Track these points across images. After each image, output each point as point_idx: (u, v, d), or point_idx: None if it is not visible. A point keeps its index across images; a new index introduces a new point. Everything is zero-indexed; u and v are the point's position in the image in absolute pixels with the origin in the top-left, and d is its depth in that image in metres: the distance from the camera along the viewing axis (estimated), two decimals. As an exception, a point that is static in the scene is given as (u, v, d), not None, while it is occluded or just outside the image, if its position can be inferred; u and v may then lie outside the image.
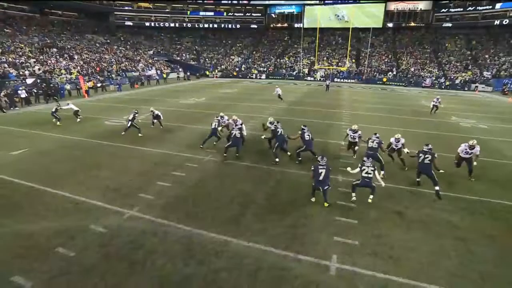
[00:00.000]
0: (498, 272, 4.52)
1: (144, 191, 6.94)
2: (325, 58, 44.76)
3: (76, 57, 33.17)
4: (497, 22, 39.78)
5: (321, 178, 6.13)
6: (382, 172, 7.87)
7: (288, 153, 9.15)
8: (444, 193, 6.99)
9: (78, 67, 30.55)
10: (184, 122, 14.15)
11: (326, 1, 47.99)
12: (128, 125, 11.62)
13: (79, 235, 5.27)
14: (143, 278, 4.28)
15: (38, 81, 23.79)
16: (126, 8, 50.59)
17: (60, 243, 5.04)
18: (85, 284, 4.15)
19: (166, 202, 6.48)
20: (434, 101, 18.23)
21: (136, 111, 12.29)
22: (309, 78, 41.56)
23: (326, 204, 6.27)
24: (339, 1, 47.39)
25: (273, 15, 52.71)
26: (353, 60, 43.97)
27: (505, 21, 38.82)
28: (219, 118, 10.60)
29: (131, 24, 51.35)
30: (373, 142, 8.13)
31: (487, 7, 40.67)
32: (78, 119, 14.30)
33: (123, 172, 8.11)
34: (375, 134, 8.42)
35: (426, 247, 5.03)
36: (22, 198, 6.66)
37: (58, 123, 13.47)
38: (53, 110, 13.59)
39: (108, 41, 43.29)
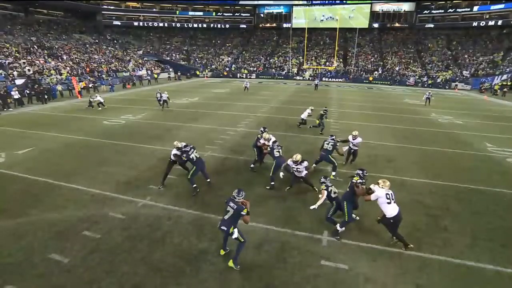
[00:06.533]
0: (458, 239, 5.51)
1: (154, 183, 7.62)
2: (313, 58, 45.98)
3: (64, 57, 33.00)
4: (475, 23, 42.03)
5: (226, 217, 4.65)
6: (334, 173, 8.03)
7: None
8: (419, 180, 8.05)
9: (68, 68, 30.47)
10: (181, 121, 14.78)
11: (313, 2, 49.20)
12: (161, 102, 18.01)
13: (101, 221, 5.94)
14: (164, 253, 5.02)
15: (29, 81, 23.79)
16: (114, 7, 50.29)
17: (85, 227, 5.70)
18: (115, 259, 4.85)
19: (175, 192, 7.21)
20: (426, 95, 21.66)
21: (159, 90, 18.67)
22: (298, 77, 42.69)
23: (222, 252, 5.01)
24: (327, 2, 48.70)
25: (262, 15, 53.60)
26: (341, 60, 45.39)
27: (482, 23, 41.10)
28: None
29: (119, 23, 51.09)
30: (328, 144, 8.07)
31: (466, 9, 42.90)
32: (100, 108, 17.81)
33: (131, 167, 8.75)
34: (331, 136, 8.37)
35: (402, 223, 5.95)
36: (40, 191, 7.23)
37: (99, 108, 17.77)
38: (88, 102, 18.03)
39: (97, 41, 43.03)
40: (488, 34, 42.07)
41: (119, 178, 7.98)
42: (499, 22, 39.89)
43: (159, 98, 18.23)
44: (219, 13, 54.47)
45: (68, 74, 28.73)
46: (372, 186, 5.20)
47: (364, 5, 46.81)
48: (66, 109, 18.40)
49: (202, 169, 7.31)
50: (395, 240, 5.26)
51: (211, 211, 6.31)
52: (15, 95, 19.19)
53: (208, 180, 7.58)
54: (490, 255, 5.06)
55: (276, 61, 46.96)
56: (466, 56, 40.28)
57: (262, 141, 8.31)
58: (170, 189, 7.36)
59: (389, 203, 5.03)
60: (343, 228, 5.45)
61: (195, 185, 7.12)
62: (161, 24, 53.33)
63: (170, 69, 44.04)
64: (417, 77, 38.54)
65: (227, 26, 54.69)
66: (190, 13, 54.01)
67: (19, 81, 23.65)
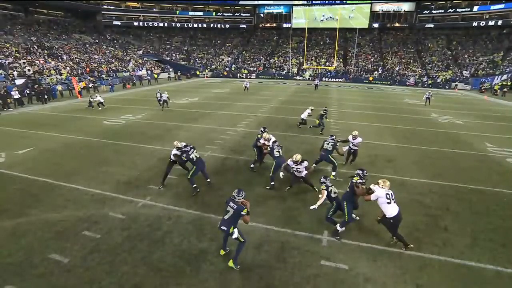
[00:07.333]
0: (458, 239, 5.50)
1: (154, 183, 7.62)
2: (313, 58, 45.97)
3: (64, 57, 32.99)
4: (475, 23, 42.04)
5: (226, 217, 4.65)
6: (334, 173, 8.02)
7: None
8: (419, 180, 8.06)
9: (68, 68, 30.46)
10: (181, 121, 14.78)
11: (313, 2, 49.21)
12: (161, 102, 17.91)
13: (101, 221, 5.94)
14: (164, 253, 5.02)
15: (29, 81, 23.79)
16: (114, 7, 50.31)
17: (85, 227, 5.70)
18: (115, 259, 4.85)
19: (175, 192, 7.21)
20: (426, 95, 21.57)
21: (159, 90, 18.59)
22: (298, 77, 42.69)
23: (222, 252, 5.01)
24: (327, 2, 48.70)
25: (262, 15, 53.61)
26: (341, 60, 45.38)
27: (482, 23, 41.12)
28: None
29: (119, 23, 51.14)
30: (328, 144, 8.04)
31: (466, 9, 42.92)
32: (100, 108, 17.80)
33: (131, 167, 8.74)
34: (331, 136, 8.34)
35: (402, 223, 5.95)
36: (40, 191, 7.23)
37: (99, 108, 17.80)
38: (88, 102, 18.06)
39: (97, 41, 43.03)
40: (488, 34, 42.07)
41: (119, 178, 7.98)
42: (499, 22, 39.89)
43: (159, 98, 18.23)
44: (219, 13, 54.49)
45: (68, 74, 28.74)
46: (372, 186, 5.20)
47: (364, 5, 46.80)
48: (66, 109, 18.39)
49: (202, 169, 7.31)
50: (395, 240, 5.26)
51: (211, 211, 6.31)
52: (15, 95, 19.19)
53: (208, 180, 7.57)
54: (490, 255, 5.06)
55: (276, 61, 46.96)
56: (466, 56, 40.28)
57: (262, 141, 8.31)
58: (170, 189, 7.36)
59: (389, 203, 5.03)
60: (343, 228, 5.44)
61: (195, 185, 7.11)
62: (161, 24, 53.36)
63: (170, 69, 44.04)
64: (417, 77, 38.54)
65: (227, 26, 54.71)
66: (190, 13, 54.04)
67: (19, 81, 23.65)
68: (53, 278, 4.45)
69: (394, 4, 46.15)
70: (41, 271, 4.57)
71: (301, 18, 49.50)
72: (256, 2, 52.10)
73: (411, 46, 45.43)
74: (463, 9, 43.17)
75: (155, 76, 37.50)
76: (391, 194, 5.09)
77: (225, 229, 4.58)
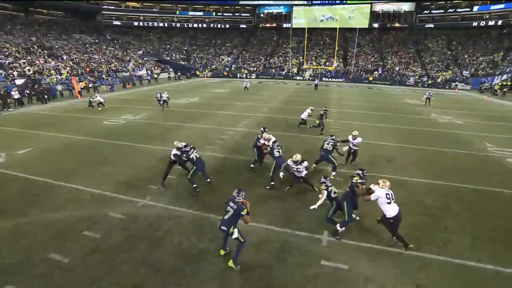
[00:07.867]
0: (458, 239, 5.51)
1: (154, 183, 7.61)
2: (313, 58, 45.97)
3: (64, 57, 32.99)
4: (475, 23, 42.05)
5: (226, 217, 4.66)
6: (334, 173, 8.04)
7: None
8: (419, 180, 8.06)
9: (68, 68, 30.45)
10: (181, 121, 14.79)
11: (313, 2, 49.21)
12: (161, 102, 17.99)
13: (101, 221, 5.94)
14: (165, 253, 5.02)
15: (29, 81, 23.78)
16: (114, 7, 50.32)
17: (85, 227, 5.69)
18: (115, 259, 4.85)
19: (175, 192, 7.21)
20: (426, 95, 21.58)
21: (159, 90, 18.63)
22: (298, 77, 42.70)
23: (222, 252, 5.02)
24: (327, 2, 48.70)
25: (262, 15, 53.61)
26: (341, 60, 45.38)
27: (482, 23, 41.13)
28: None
29: (119, 23, 51.14)
30: (328, 144, 8.08)
31: (466, 9, 42.93)
32: (100, 108, 17.79)
33: (131, 167, 8.75)
34: (331, 136, 8.40)
35: (402, 223, 5.94)
36: (40, 191, 7.23)
37: (99, 108, 17.79)
38: (88, 102, 18.09)
39: (97, 41, 43.02)
40: (488, 34, 42.05)
41: (119, 178, 7.98)
42: (499, 22, 39.90)
43: (159, 98, 18.23)
44: (219, 13, 54.50)
45: (68, 74, 28.75)
46: (372, 186, 5.20)
47: (364, 5, 46.81)
48: (66, 109, 18.39)
49: (202, 169, 7.31)
50: (395, 240, 5.25)
51: (211, 211, 6.31)
52: (15, 95, 19.18)
53: (208, 180, 7.57)
54: (490, 255, 5.06)
55: (276, 61, 46.96)
56: (466, 56, 40.26)
57: (262, 141, 8.31)
58: (170, 189, 7.36)
59: (389, 203, 5.03)
60: (343, 228, 5.44)
61: (195, 185, 7.11)
62: (161, 24, 53.37)
63: (170, 69, 44.04)
64: (417, 77, 38.54)
65: (227, 26, 54.71)
66: (190, 13, 54.05)
67: (19, 81, 23.64)
68: (53, 278, 4.45)
69: (394, 4, 46.15)
70: (41, 271, 4.57)
71: (301, 18, 49.49)
72: (256, 2, 52.09)
73: (411, 46, 45.43)
74: (463, 9, 43.18)
75: (155, 76, 37.51)
76: (391, 194, 5.09)
77: (225, 229, 4.58)
